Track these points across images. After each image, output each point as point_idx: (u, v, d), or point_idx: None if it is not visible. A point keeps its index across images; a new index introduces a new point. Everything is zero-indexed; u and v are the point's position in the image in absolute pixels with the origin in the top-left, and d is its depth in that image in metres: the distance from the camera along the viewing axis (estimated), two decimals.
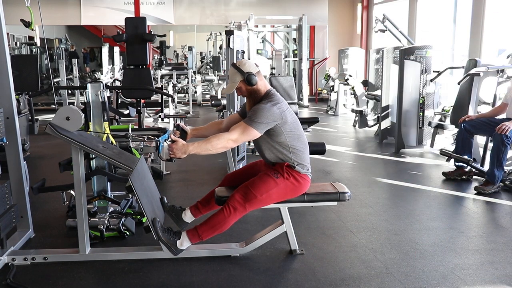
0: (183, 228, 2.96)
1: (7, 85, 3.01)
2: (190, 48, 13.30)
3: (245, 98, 2.90)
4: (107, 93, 3.51)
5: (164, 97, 6.28)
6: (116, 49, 11.75)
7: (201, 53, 16.87)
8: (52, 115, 2.94)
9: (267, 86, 2.81)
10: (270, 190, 2.71)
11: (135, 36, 5.35)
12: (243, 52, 5.19)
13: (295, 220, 3.20)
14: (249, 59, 5.87)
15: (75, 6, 12.33)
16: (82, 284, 2.61)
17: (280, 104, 2.70)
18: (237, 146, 4.79)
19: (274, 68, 10.75)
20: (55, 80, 11.10)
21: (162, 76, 11.66)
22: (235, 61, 2.86)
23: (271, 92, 2.78)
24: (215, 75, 12.27)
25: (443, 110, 6.67)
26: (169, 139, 2.67)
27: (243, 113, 2.91)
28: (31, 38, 15.42)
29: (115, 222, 3.26)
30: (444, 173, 4.86)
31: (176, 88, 10.07)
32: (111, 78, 10.92)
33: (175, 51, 16.61)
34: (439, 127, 6.06)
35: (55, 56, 15.62)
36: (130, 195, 3.70)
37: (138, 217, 3.46)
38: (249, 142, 5.43)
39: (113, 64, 11.88)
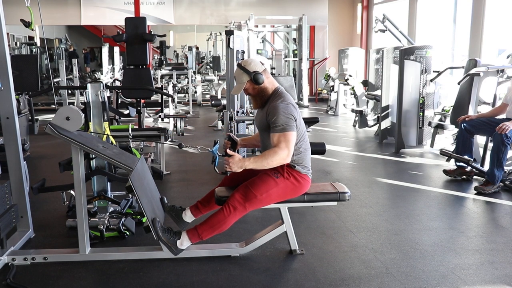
0: (183, 228, 2.96)
1: (7, 85, 3.01)
2: (190, 48, 13.31)
3: (246, 97, 2.90)
4: (107, 93, 3.51)
5: (164, 97, 6.28)
6: (116, 49, 11.76)
7: (199, 52, 16.86)
8: (52, 115, 2.94)
9: (275, 84, 2.82)
10: (270, 190, 2.71)
11: (135, 36, 5.34)
12: (243, 52, 5.19)
13: (295, 220, 3.20)
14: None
15: (75, 6, 12.34)
16: (82, 284, 2.61)
17: (292, 103, 2.73)
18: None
19: (274, 68, 10.75)
20: (55, 80, 11.11)
21: (162, 76, 11.66)
22: (239, 61, 2.86)
23: (280, 90, 2.79)
24: (215, 75, 12.27)
25: (443, 110, 6.67)
26: (219, 152, 2.69)
27: (259, 116, 2.88)
28: (31, 38, 15.43)
29: (115, 222, 3.26)
30: (445, 171, 4.86)
31: (176, 88, 10.07)
32: (111, 78, 10.92)
33: (175, 51, 16.62)
34: (439, 127, 6.06)
35: (55, 56, 15.62)
36: (130, 195, 3.70)
37: (138, 217, 3.46)
38: None
39: (113, 64, 11.89)
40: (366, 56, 10.80)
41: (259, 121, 2.81)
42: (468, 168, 4.72)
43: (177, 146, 3.11)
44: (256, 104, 2.84)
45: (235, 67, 3.11)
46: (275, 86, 2.80)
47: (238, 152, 2.84)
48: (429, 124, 6.10)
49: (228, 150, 2.69)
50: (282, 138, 2.62)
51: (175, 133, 6.50)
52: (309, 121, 5.25)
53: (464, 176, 4.73)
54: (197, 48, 16.31)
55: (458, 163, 4.80)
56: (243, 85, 2.78)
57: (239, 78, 2.79)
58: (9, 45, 3.82)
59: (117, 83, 9.76)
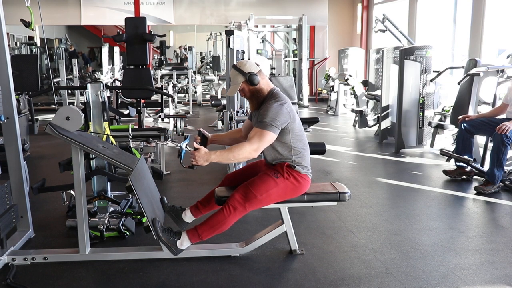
0: (183, 228, 2.96)
1: (7, 85, 3.01)
2: (190, 48, 13.31)
3: (245, 99, 2.90)
4: (107, 93, 3.51)
5: (164, 97, 6.28)
6: (116, 49, 11.75)
7: (201, 53, 16.87)
8: (52, 115, 2.94)
9: (270, 85, 2.81)
10: (270, 190, 2.71)
11: (135, 36, 5.34)
12: (243, 52, 5.19)
13: (295, 220, 3.20)
14: (249, 59, 5.86)
15: (75, 6, 12.34)
16: (82, 284, 2.61)
17: (287, 103, 2.71)
18: None
19: (274, 68, 10.75)
20: (55, 80, 11.10)
21: (162, 76, 11.66)
22: (235, 62, 2.86)
23: (275, 91, 2.79)
24: (215, 75, 12.27)
25: (443, 110, 6.67)
26: (187, 146, 2.67)
27: (251, 117, 2.91)
28: (31, 38, 15.42)
29: (115, 222, 3.26)
30: (444, 171, 4.86)
31: (176, 88, 10.07)
32: (111, 78, 10.92)
33: (175, 51, 16.62)
34: (439, 127, 6.06)
35: (55, 56, 15.62)
36: (130, 195, 3.70)
37: (138, 217, 3.46)
38: None
39: (113, 64, 11.88)
40: (366, 56, 10.80)
41: (255, 123, 2.81)
42: (468, 168, 4.72)
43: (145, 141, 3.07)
44: (253, 106, 2.84)
45: None
46: (270, 87, 2.80)
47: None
48: (429, 124, 6.10)
49: (194, 144, 2.67)
50: (258, 134, 2.61)
51: (175, 133, 6.50)
52: (309, 121, 5.24)
53: (464, 176, 4.73)
54: (201, 53, 16.38)
55: (458, 163, 4.80)
56: (238, 86, 2.78)
57: (234, 79, 2.79)
58: (9, 45, 3.82)
59: (117, 83, 9.75)
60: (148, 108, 8.38)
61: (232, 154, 2.59)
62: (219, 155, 2.60)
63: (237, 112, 5.21)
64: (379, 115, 7.01)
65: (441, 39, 9.10)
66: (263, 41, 14.13)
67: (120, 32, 6.98)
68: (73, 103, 10.11)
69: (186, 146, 2.78)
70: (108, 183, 3.45)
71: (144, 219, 3.38)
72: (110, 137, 3.44)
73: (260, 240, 2.94)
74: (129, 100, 7.34)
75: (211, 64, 13.49)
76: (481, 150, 4.90)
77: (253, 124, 2.84)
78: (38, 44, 14.64)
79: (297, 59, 12.00)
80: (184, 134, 2.99)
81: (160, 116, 6.29)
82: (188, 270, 2.76)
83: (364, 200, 4.11)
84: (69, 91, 11.70)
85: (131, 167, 2.71)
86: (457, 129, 5.13)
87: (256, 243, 2.94)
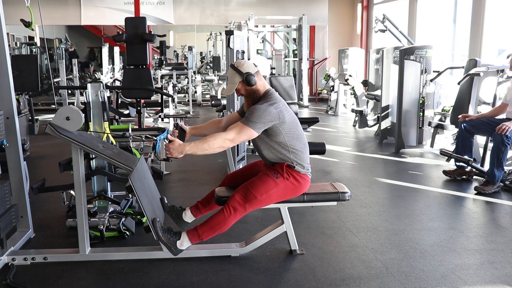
0: (183, 228, 2.96)
1: (7, 85, 3.01)
2: (190, 48, 13.30)
3: (243, 98, 2.90)
4: (107, 93, 3.51)
5: (164, 97, 6.28)
6: (116, 49, 11.75)
7: (201, 53, 16.88)
8: (52, 115, 2.94)
9: (266, 86, 2.81)
10: (270, 190, 2.71)
11: (135, 36, 5.35)
12: (243, 52, 5.19)
13: (295, 220, 3.20)
14: (249, 59, 5.86)
15: (75, 6, 12.33)
16: (82, 284, 2.61)
17: (277, 104, 2.69)
18: (237, 146, 4.79)
19: (274, 68, 10.75)
20: (55, 80, 11.10)
21: (162, 76, 11.66)
22: (232, 62, 2.86)
23: (270, 92, 2.79)
24: (215, 75, 12.27)
25: (443, 110, 6.67)
26: (167, 139, 2.67)
27: (242, 113, 2.91)
28: (31, 38, 15.42)
29: (115, 222, 3.26)
30: (444, 172, 4.86)
31: (176, 88, 10.07)
32: (111, 78, 10.92)
33: (175, 51, 16.62)
34: (439, 127, 6.06)
35: (55, 56, 15.61)
36: (130, 195, 3.70)
37: (138, 217, 3.46)
38: (249, 142, 5.43)
39: (113, 64, 11.88)
40: (366, 56, 10.80)
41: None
42: (468, 168, 4.72)
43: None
44: (247, 105, 2.83)
45: None
46: (266, 88, 2.80)
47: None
48: (429, 124, 6.10)
49: (168, 136, 2.66)
50: (239, 127, 2.61)
51: None
52: (309, 121, 5.26)
53: (464, 176, 4.73)
54: (201, 53, 16.37)
55: (457, 163, 4.80)
56: (235, 85, 2.78)
57: (232, 78, 2.79)
58: (9, 45, 3.82)
59: (117, 83, 9.75)
60: (148, 108, 8.38)
61: (207, 143, 2.57)
62: (193, 146, 2.58)
63: (237, 111, 5.20)
64: (379, 115, 7.01)
65: (441, 39, 9.10)
66: (263, 41, 14.13)
67: (120, 32, 6.98)
68: (73, 103, 10.11)
69: (163, 139, 2.76)
70: (108, 183, 3.45)
71: (144, 219, 3.38)
72: (110, 137, 3.44)
73: (260, 240, 2.94)
74: (129, 100, 7.34)
75: (211, 64, 13.49)
76: (481, 150, 4.90)
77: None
78: (38, 44, 14.64)
79: (297, 59, 12.00)
80: (160, 126, 2.96)
81: (160, 116, 6.29)
82: (188, 270, 2.76)
83: (364, 200, 4.11)
84: (69, 91, 11.70)
85: (131, 167, 2.71)
86: (457, 129, 5.13)
87: (256, 243, 2.94)
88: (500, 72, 5.04)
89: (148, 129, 5.10)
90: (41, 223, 3.47)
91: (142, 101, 5.67)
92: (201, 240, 2.74)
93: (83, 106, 3.42)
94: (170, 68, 11.98)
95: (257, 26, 11.30)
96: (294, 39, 12.73)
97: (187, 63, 13.41)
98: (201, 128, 3.05)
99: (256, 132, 2.63)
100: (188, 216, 3.00)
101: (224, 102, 7.03)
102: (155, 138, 2.78)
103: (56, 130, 2.63)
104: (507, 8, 7.39)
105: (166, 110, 7.09)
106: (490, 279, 2.66)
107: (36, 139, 6.52)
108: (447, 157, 4.80)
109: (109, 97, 6.47)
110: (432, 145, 6.18)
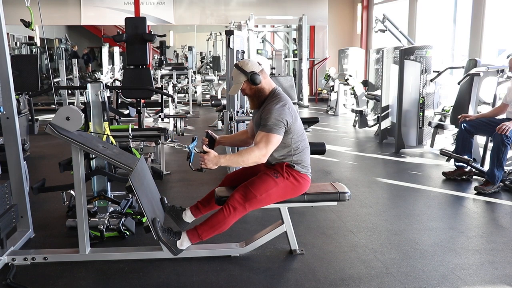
0: (184, 228, 2.96)
1: (7, 85, 3.01)
2: (190, 48, 13.30)
3: (246, 98, 2.90)
4: (107, 93, 3.51)
5: (164, 97, 6.28)
6: (116, 49, 11.75)
7: (201, 53, 16.87)
8: (52, 115, 2.94)
9: (272, 85, 2.82)
10: (270, 190, 2.71)
11: (135, 36, 5.34)
12: (243, 52, 5.19)
13: (295, 220, 3.20)
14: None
15: (75, 6, 12.34)
16: (82, 284, 2.61)
17: (288, 103, 2.72)
18: (237, 147, 4.79)
19: (274, 68, 10.74)
20: (55, 80, 11.10)
21: (162, 76, 11.66)
22: (237, 62, 2.86)
23: (277, 91, 2.79)
24: (215, 75, 12.27)
25: (443, 110, 6.67)
26: (197, 149, 2.66)
27: (255, 117, 2.90)
28: (31, 38, 15.41)
29: (115, 222, 3.25)
30: (444, 173, 4.86)
31: (176, 88, 10.07)
32: (111, 78, 10.92)
33: (175, 51, 16.62)
34: (439, 127, 6.06)
35: (55, 56, 15.61)
36: (130, 195, 3.70)
37: (138, 217, 3.46)
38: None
39: (113, 64, 11.88)
40: (366, 56, 10.80)
41: (255, 122, 2.81)
42: (468, 168, 4.72)
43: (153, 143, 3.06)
44: (253, 105, 2.84)
45: None
46: (272, 87, 2.80)
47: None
48: (429, 124, 6.10)
49: (204, 147, 2.68)
50: (265, 138, 2.62)
51: (175, 133, 6.50)
52: (309, 121, 5.24)
53: (464, 177, 4.73)
54: (201, 53, 16.37)
55: (457, 163, 4.80)
56: (240, 85, 2.78)
57: (236, 78, 2.79)
58: (9, 45, 3.82)
59: (117, 83, 9.76)
60: (148, 108, 8.38)
61: (242, 158, 2.62)
62: (228, 159, 2.63)
63: (237, 112, 5.21)
64: (379, 115, 7.01)
65: (441, 39, 9.10)
66: (263, 41, 14.13)
67: (120, 32, 6.98)
68: (73, 103, 10.11)
69: (194, 149, 2.77)
70: (108, 183, 3.45)
71: (144, 219, 3.39)
72: (110, 137, 3.44)
73: (260, 240, 2.94)
74: (129, 100, 7.34)
75: (211, 64, 13.48)
76: (481, 150, 4.90)
77: (253, 122, 2.85)
78: (38, 44, 14.63)
79: (297, 59, 12.00)
80: (192, 136, 2.96)
81: (160, 116, 6.30)
82: (188, 270, 2.76)
83: (364, 200, 4.11)
84: (69, 91, 11.69)
85: (131, 167, 2.71)
86: (457, 129, 5.13)
87: (256, 243, 2.94)
88: (500, 72, 5.04)
89: (148, 129, 5.10)
90: (41, 223, 3.47)
91: (142, 101, 5.67)
92: (201, 240, 2.74)
93: (83, 106, 3.42)
94: (170, 68, 11.98)
95: (257, 26, 11.30)
96: (294, 39, 12.73)
97: (187, 63, 13.42)
98: (230, 138, 3.17)
99: (281, 135, 2.66)
100: (188, 216, 3.00)
101: (224, 102, 7.03)
102: (187, 147, 2.78)
103: (56, 130, 2.63)
104: (507, 8, 7.39)
105: (166, 110, 7.10)
106: (490, 279, 2.66)
107: (36, 139, 6.52)
108: (447, 157, 4.80)
109: (109, 97, 6.46)
110: (432, 145, 6.18)
